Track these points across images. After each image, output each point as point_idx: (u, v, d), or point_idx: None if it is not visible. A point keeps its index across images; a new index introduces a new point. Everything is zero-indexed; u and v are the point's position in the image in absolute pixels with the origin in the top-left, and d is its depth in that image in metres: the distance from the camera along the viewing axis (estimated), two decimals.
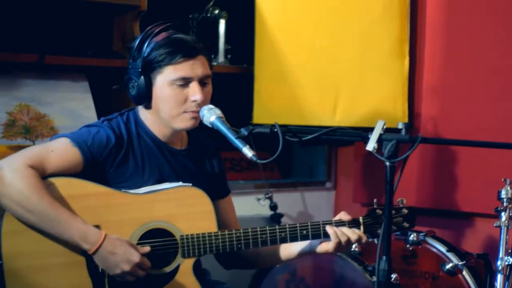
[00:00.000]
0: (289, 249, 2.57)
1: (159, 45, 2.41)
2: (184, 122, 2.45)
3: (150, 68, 2.41)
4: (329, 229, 2.45)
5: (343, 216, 2.50)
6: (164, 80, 2.41)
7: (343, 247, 2.46)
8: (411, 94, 3.69)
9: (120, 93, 3.24)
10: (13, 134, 3.05)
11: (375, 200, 2.54)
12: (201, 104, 2.42)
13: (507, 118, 3.39)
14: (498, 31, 3.44)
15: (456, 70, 3.57)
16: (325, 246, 2.48)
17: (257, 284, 3.20)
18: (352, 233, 2.45)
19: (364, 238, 2.47)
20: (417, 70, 3.70)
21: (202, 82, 2.44)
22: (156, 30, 2.43)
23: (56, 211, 2.26)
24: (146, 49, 2.41)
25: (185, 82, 2.42)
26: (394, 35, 3.62)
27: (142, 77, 2.41)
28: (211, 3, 3.61)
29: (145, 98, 2.44)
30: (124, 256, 2.28)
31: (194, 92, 2.41)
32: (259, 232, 2.44)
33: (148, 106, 2.47)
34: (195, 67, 2.42)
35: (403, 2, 3.63)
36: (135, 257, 2.29)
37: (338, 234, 2.44)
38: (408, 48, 3.64)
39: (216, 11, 3.61)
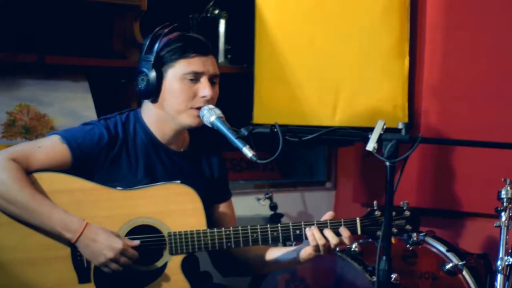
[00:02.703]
0: (278, 258, 2.53)
1: (172, 40, 2.44)
2: (189, 118, 2.45)
3: (162, 62, 2.43)
4: (308, 232, 2.39)
5: (328, 217, 2.44)
6: (176, 74, 2.43)
7: (322, 250, 2.38)
8: (411, 94, 3.69)
9: (122, 92, 3.24)
10: (13, 134, 3.05)
11: (375, 202, 2.49)
12: (209, 101, 2.43)
13: (507, 118, 3.39)
14: (498, 31, 3.43)
15: (456, 70, 3.57)
16: (308, 250, 2.42)
17: (257, 284, 3.20)
18: (333, 237, 2.38)
19: (348, 242, 2.40)
20: (417, 70, 3.70)
21: (211, 81, 2.46)
22: (167, 30, 2.46)
23: (37, 202, 2.27)
24: (159, 44, 2.43)
25: (196, 77, 2.43)
26: (394, 35, 3.62)
27: (154, 70, 2.42)
28: (211, 3, 3.61)
29: (154, 92, 2.44)
30: (106, 242, 2.27)
31: (204, 87, 2.43)
32: (249, 231, 2.41)
33: (154, 100, 2.47)
34: (206, 64, 2.45)
35: (403, 2, 3.63)
36: (118, 243, 2.28)
37: (316, 237, 2.38)
38: (408, 48, 3.64)
39: (216, 11, 3.61)
